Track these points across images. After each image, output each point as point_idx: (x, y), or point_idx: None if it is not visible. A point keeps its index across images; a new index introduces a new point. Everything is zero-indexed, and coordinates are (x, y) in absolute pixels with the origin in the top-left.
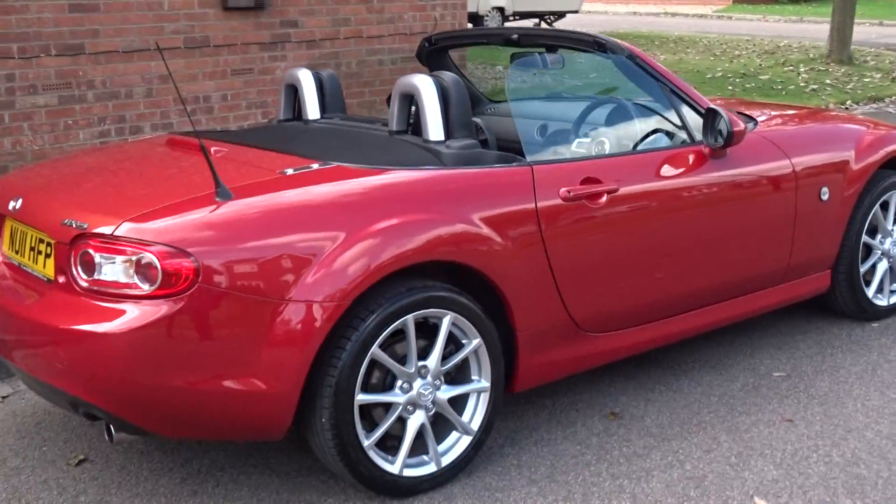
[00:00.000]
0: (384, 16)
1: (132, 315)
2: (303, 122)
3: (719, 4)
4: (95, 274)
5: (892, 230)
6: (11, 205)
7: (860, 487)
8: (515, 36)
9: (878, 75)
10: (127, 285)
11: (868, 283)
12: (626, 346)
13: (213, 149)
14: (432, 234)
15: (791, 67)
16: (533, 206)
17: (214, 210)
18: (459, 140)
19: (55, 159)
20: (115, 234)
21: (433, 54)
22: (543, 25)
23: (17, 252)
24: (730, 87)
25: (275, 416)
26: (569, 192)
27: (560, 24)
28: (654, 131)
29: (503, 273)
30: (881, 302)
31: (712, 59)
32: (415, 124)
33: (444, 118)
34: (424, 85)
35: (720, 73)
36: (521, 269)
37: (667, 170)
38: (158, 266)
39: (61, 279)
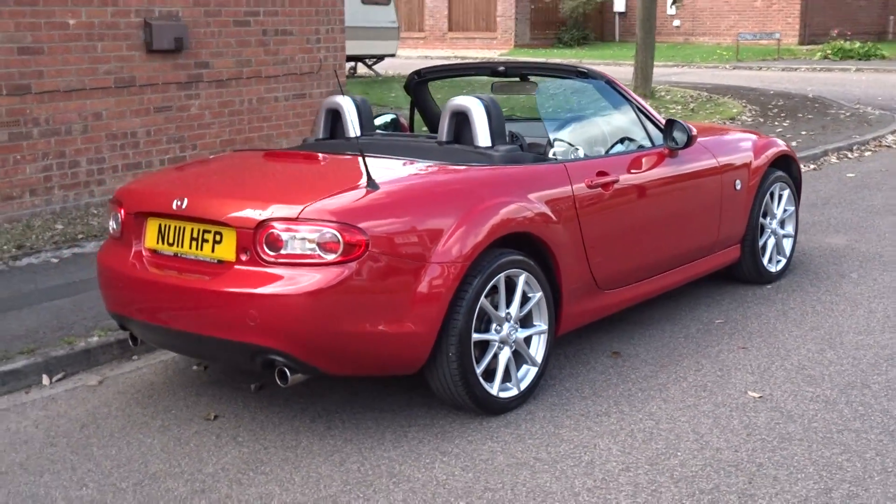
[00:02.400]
0: (279, 57)
1: (319, 278)
2: (345, 140)
3: (502, 49)
4: (283, 249)
5: (776, 214)
6: (176, 204)
7: (813, 378)
8: (502, 68)
9: (679, 107)
10: (311, 256)
11: (763, 254)
12: (624, 300)
13: (323, 156)
14: (515, 211)
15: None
16: (570, 191)
17: (369, 196)
18: (503, 146)
19: (166, 170)
20: (300, 216)
21: (419, 85)
22: (363, 68)
23: (170, 244)
24: None
25: (418, 352)
26: (591, 181)
27: (379, 67)
28: (624, 138)
29: (556, 242)
30: (772, 268)
31: None
32: (457, 135)
33: (490, 129)
34: (475, 104)
35: None
36: (565, 239)
37: (645, 165)
38: (340, 239)
39: (244, 257)
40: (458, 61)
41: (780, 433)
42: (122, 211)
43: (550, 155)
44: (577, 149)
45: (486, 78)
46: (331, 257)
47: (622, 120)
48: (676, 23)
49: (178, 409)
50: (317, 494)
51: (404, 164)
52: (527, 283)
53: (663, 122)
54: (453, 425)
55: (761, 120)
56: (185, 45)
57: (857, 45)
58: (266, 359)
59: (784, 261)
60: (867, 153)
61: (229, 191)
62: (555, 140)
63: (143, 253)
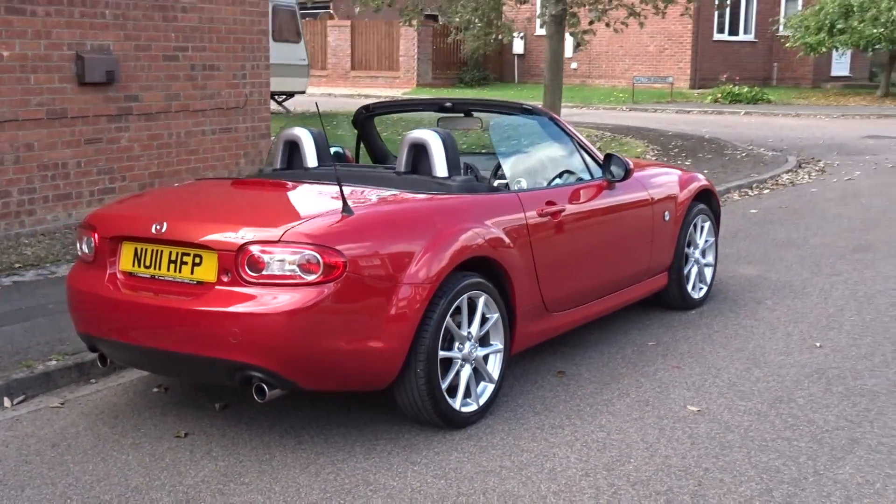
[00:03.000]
0: (206, 92)
1: (300, 297)
2: (303, 170)
3: (405, 87)
4: (264, 270)
5: (699, 244)
6: (155, 228)
7: (744, 393)
8: (449, 104)
9: (603, 144)
10: (291, 276)
11: (687, 282)
12: (568, 322)
13: (289, 184)
14: (477, 237)
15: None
16: (524, 219)
17: (345, 221)
18: (459, 176)
19: (139, 195)
20: (282, 239)
21: (367, 120)
22: (273, 104)
23: (147, 267)
24: None
25: (390, 368)
26: (542, 210)
27: (288, 104)
28: (563, 171)
29: (512, 266)
30: (696, 295)
31: None
32: (415, 166)
33: (447, 161)
34: (432, 137)
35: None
36: (520, 264)
37: (587, 196)
38: (320, 261)
39: (225, 278)
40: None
41: (721, 442)
42: (96, 235)
43: (496, 185)
44: (520, 181)
45: (433, 113)
46: (311, 278)
47: (562, 154)
48: (574, 65)
49: (147, 427)
50: (299, 502)
51: (370, 192)
52: (486, 304)
53: (601, 156)
54: (418, 438)
55: (665, 159)
56: (115, 78)
57: (745, 89)
58: (245, 375)
59: (706, 288)
60: (766, 191)
61: (208, 216)
62: (501, 172)
63: (118, 276)
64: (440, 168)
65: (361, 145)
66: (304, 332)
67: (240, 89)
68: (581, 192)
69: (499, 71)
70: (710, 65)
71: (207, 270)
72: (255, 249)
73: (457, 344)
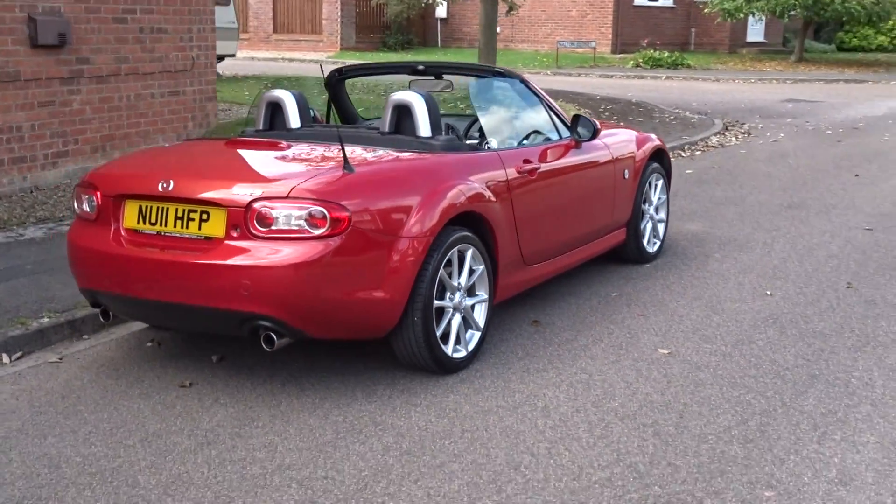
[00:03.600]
0: (155, 55)
1: (307, 250)
2: (286, 131)
3: (329, 51)
4: (273, 225)
5: (653, 200)
6: (161, 186)
7: (707, 337)
8: (421, 66)
9: None
10: (299, 231)
11: (643, 237)
12: (542, 275)
13: (283, 143)
14: (466, 192)
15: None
16: (505, 176)
17: (348, 178)
18: (441, 136)
19: (133, 156)
20: (290, 195)
21: (339, 83)
22: None
23: (152, 224)
24: None
25: (390, 317)
26: (520, 168)
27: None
28: (532, 131)
29: (496, 220)
30: (651, 249)
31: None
32: (398, 127)
33: (430, 121)
34: (416, 98)
35: None
36: (502, 218)
37: (557, 155)
38: (327, 215)
39: (235, 233)
40: (378, 61)
41: (694, 380)
42: (98, 194)
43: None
44: (494, 140)
45: (405, 77)
46: (317, 232)
47: (533, 114)
48: (498, 29)
49: (150, 379)
50: (315, 442)
51: (361, 151)
52: (473, 257)
53: (567, 117)
54: (414, 383)
55: None
56: (67, 40)
57: (666, 54)
58: (254, 325)
59: (659, 243)
60: (697, 152)
61: (214, 174)
62: (475, 132)
63: (122, 233)
64: (423, 128)
65: (332, 107)
66: (311, 283)
67: (187, 52)
68: (553, 151)
69: (422, 35)
70: (631, 30)
71: (215, 226)
72: (263, 205)
73: (448, 294)
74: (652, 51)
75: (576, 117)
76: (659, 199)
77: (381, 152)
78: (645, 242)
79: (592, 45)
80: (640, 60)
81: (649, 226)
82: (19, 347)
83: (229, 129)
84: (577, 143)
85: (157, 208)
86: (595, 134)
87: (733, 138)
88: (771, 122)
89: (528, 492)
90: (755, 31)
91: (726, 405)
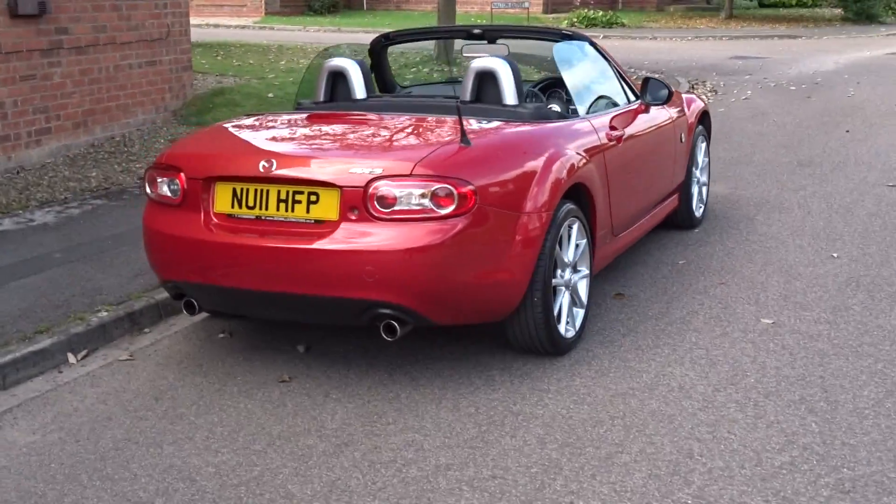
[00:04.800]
0: (132, 23)
1: (435, 232)
2: (352, 101)
3: (254, 16)
4: (396, 206)
5: (699, 164)
6: (263, 166)
7: (802, 304)
8: (478, 30)
9: None
10: (425, 210)
11: (691, 201)
12: (624, 245)
13: (371, 115)
14: (575, 162)
15: (415, 68)
16: (598, 143)
17: (467, 152)
18: (528, 103)
19: (203, 134)
20: (413, 172)
21: (383, 49)
22: None
23: (250, 207)
24: None
25: (514, 298)
26: (609, 134)
27: None
28: (601, 96)
29: (596, 191)
30: (697, 214)
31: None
32: (478, 95)
33: (516, 88)
34: (501, 65)
35: None
36: (600, 189)
37: (633, 119)
38: (455, 193)
39: (352, 216)
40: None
41: (816, 351)
42: (182, 176)
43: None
44: (575, 107)
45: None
46: (444, 211)
47: (604, 78)
48: None
49: (242, 374)
50: (461, 437)
51: (452, 122)
52: (578, 230)
53: (633, 80)
54: (528, 366)
55: None
56: (47, 9)
57: (600, 13)
58: (376, 313)
59: (703, 207)
60: None
61: (321, 152)
62: (550, 98)
63: (213, 218)
64: (510, 96)
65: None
66: (440, 267)
67: (162, 20)
68: (631, 115)
69: None
70: None
71: (327, 208)
72: (385, 184)
73: (558, 271)
74: (586, 10)
75: (646, 80)
76: (704, 161)
77: (481, 123)
78: (693, 206)
79: (526, 6)
80: (575, 20)
81: (696, 189)
82: (83, 345)
83: (208, 101)
84: (646, 107)
85: (256, 191)
86: (669, 98)
87: (704, 97)
88: (731, 80)
89: (719, 482)
90: None
91: (863, 377)
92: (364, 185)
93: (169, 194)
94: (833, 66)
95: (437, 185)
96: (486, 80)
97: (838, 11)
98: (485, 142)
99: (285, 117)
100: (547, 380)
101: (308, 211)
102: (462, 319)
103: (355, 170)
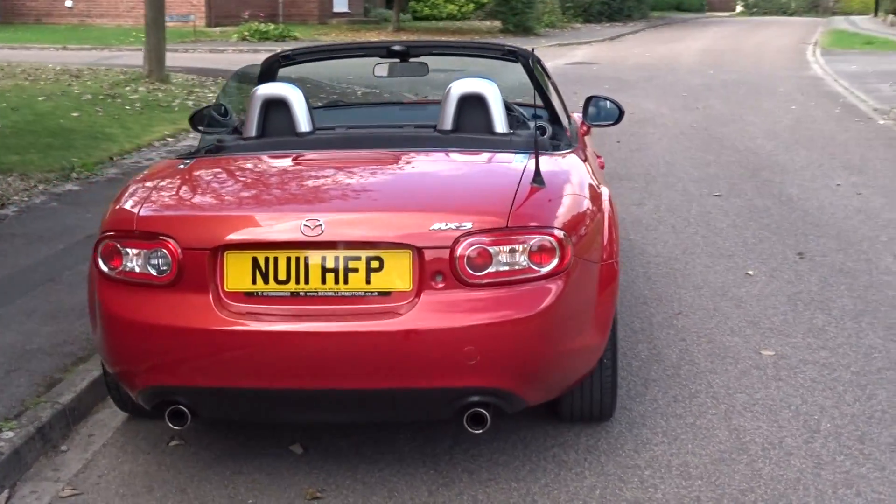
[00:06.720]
0: None
1: (540, 294)
2: (295, 136)
3: None
4: (491, 267)
5: None
6: (304, 229)
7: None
8: (398, 47)
9: (218, 88)
10: (523, 270)
11: None
12: None
13: (366, 153)
14: (610, 200)
15: (129, 87)
16: (601, 175)
17: (545, 194)
18: (520, 131)
19: (187, 178)
20: (509, 224)
21: (277, 72)
22: None
23: (282, 282)
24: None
25: (594, 363)
26: (601, 163)
27: None
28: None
29: None
30: None
31: (28, 83)
32: (458, 123)
33: (505, 114)
34: (488, 87)
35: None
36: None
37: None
38: (557, 248)
39: (437, 283)
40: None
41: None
42: (174, 247)
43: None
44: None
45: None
46: (545, 269)
47: (552, 100)
48: (69, 3)
49: (258, 494)
50: None
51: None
52: None
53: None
54: (581, 441)
55: None
56: None
57: (272, 27)
58: (467, 402)
59: None
60: None
61: (372, 203)
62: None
63: (224, 299)
64: (499, 123)
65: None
66: (546, 338)
67: None
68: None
69: None
70: (224, 2)
71: (396, 276)
72: (476, 241)
73: None
74: (257, 24)
75: (589, 99)
76: None
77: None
78: None
79: (191, 20)
80: (247, 33)
81: None
82: None
83: None
84: (588, 129)
85: (290, 259)
86: (620, 118)
87: None
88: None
89: None
90: (340, 2)
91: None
92: (451, 245)
93: (151, 272)
94: (671, 65)
95: (536, 238)
96: (471, 105)
97: (496, 24)
98: (554, 182)
99: (258, 161)
100: (617, 455)
101: (368, 281)
102: (554, 394)
103: (438, 226)
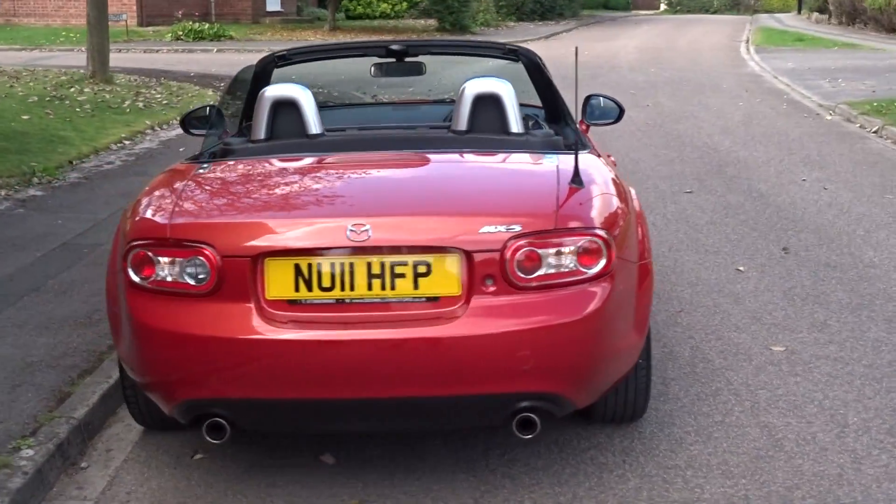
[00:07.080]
0: None
1: (590, 296)
2: (306, 138)
3: None
4: (541, 269)
5: None
6: (351, 234)
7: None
8: (397, 47)
9: (161, 94)
10: (572, 273)
11: None
12: None
13: (389, 156)
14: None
15: (74, 89)
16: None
17: (585, 194)
18: (535, 131)
19: (217, 185)
20: (557, 226)
21: (271, 71)
22: None
23: (326, 289)
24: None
25: (633, 364)
26: (614, 161)
27: None
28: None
29: None
30: None
31: None
32: (472, 123)
33: (520, 114)
34: (504, 87)
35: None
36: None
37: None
38: (603, 248)
39: (487, 287)
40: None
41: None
42: (213, 254)
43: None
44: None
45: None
46: (593, 271)
47: (554, 99)
48: None
49: (298, 502)
50: None
51: (479, 157)
52: None
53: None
54: (616, 442)
55: None
56: None
57: (207, 26)
58: (519, 408)
59: None
60: None
61: (420, 206)
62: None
63: (266, 308)
64: (515, 123)
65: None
66: (597, 339)
67: None
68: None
69: None
70: (155, 1)
71: (445, 281)
72: (527, 243)
73: None
74: (191, 23)
75: (588, 97)
76: None
77: (524, 158)
78: None
79: (124, 18)
80: (181, 33)
81: None
82: None
83: None
84: (588, 128)
85: (334, 265)
86: (622, 114)
87: None
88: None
89: None
90: (273, 1)
91: None
92: (501, 248)
93: (188, 280)
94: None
95: (583, 240)
96: (486, 105)
97: (431, 22)
98: (590, 181)
99: (281, 164)
100: (658, 453)
101: (416, 286)
102: (594, 399)
103: (488, 228)
